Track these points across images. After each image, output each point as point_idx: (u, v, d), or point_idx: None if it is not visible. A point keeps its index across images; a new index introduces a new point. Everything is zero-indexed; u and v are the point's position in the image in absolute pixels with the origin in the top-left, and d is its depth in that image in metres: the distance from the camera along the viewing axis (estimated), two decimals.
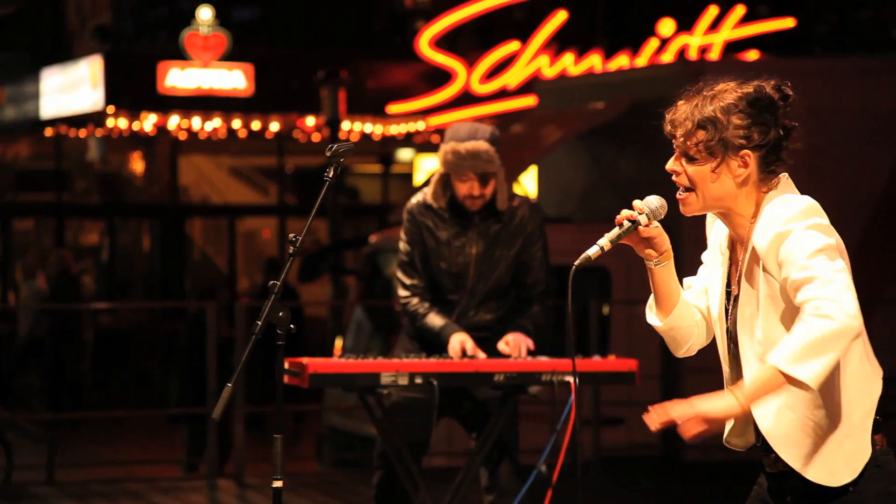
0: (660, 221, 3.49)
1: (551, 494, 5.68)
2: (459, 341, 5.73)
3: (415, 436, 5.88)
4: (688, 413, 3.25)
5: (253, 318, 4.02)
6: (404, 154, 21.46)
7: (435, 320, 5.84)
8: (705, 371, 12.23)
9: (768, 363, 3.20)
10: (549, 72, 18.60)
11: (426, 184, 6.04)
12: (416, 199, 5.97)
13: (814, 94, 11.15)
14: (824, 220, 3.31)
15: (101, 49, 18.88)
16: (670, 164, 3.42)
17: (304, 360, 5.56)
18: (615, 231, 3.42)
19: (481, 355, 5.72)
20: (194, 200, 22.02)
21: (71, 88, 19.15)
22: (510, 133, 12.91)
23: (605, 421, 10.60)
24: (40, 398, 16.39)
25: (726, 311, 3.47)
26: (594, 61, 18.69)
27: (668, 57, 18.59)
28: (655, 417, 3.30)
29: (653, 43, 18.85)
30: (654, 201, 3.44)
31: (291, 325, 4.04)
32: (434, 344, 5.84)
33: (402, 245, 5.97)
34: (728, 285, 3.47)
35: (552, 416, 5.94)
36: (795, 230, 3.25)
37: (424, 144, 20.66)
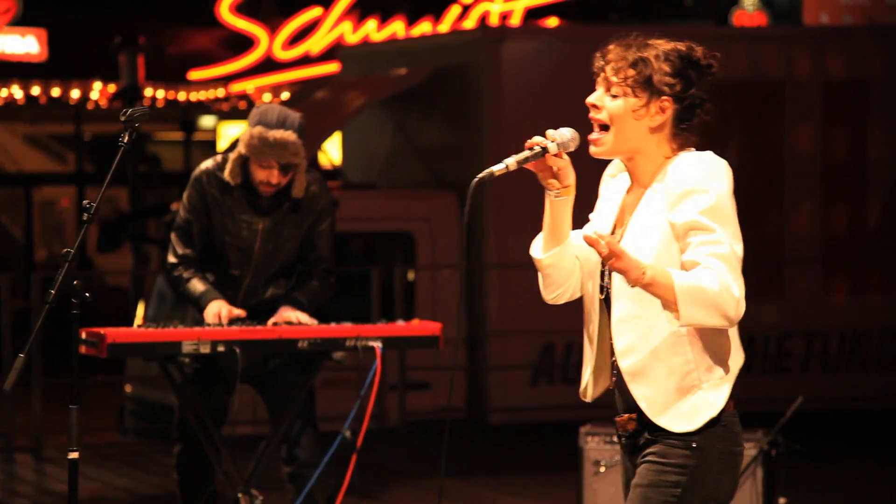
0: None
1: (356, 459, 5.68)
2: (217, 308, 5.64)
3: (214, 404, 5.82)
4: (616, 253, 3.28)
5: (49, 289, 3.92)
6: (206, 121, 21.17)
7: (196, 286, 5.73)
8: (509, 335, 12.46)
9: (673, 274, 3.28)
10: (353, 38, 18.54)
11: (226, 151, 5.91)
12: (205, 166, 5.80)
13: None
14: (728, 186, 3.40)
15: None
16: (593, 98, 3.48)
17: (103, 329, 5.45)
18: (523, 154, 3.44)
19: (239, 313, 5.64)
20: None
21: None
22: (313, 99, 12.83)
23: (411, 385, 10.65)
24: None
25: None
26: (397, 28, 18.69)
27: (470, 23, 18.69)
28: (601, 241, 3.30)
29: (455, 10, 18.93)
30: (566, 133, 3.48)
31: (87, 294, 3.96)
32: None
33: (183, 212, 5.80)
34: (613, 229, 3.52)
35: (357, 382, 5.94)
36: (715, 191, 3.34)
37: (227, 112, 20.41)
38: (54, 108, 19.46)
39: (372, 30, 18.64)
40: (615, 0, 22.15)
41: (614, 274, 3.43)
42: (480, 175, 3.40)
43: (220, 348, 5.47)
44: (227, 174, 5.72)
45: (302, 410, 5.82)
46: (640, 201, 3.47)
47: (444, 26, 18.58)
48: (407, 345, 6.64)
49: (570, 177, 3.51)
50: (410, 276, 11.09)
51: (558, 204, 3.51)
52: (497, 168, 3.41)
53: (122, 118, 4.09)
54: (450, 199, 11.11)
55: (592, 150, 3.50)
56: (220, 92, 19.42)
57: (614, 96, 3.46)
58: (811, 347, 11.67)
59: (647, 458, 3.43)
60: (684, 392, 3.39)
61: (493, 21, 18.84)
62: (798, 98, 11.77)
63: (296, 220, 5.78)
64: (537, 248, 3.57)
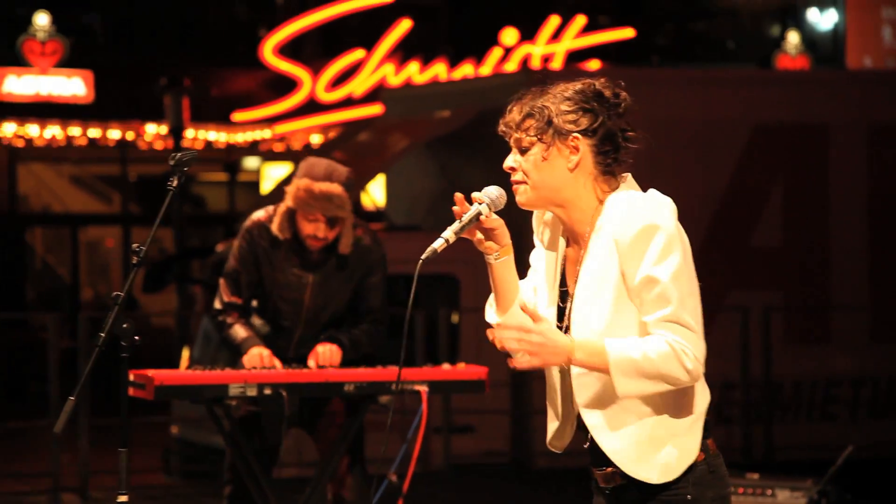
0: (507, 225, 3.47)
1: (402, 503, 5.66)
2: (258, 353, 5.64)
3: (263, 446, 5.82)
4: (525, 350, 3.24)
5: (96, 330, 3.93)
6: (250, 162, 21.28)
7: (239, 331, 5.73)
8: None
9: (607, 347, 3.23)
10: (395, 80, 18.61)
11: (269, 197, 5.92)
12: (256, 217, 5.80)
13: (652, 104, 11.42)
14: (680, 228, 3.33)
15: None
16: (508, 162, 3.43)
17: (150, 372, 5.46)
18: (457, 223, 3.40)
19: (277, 364, 5.65)
20: (34, 209, 21.55)
21: None
22: (357, 141, 12.88)
23: (456, 429, 10.62)
24: None
25: (560, 310, 3.44)
26: (439, 70, 18.75)
27: (511, 66, 18.73)
28: (505, 337, 3.28)
29: (496, 52, 18.98)
30: (493, 191, 3.43)
31: (136, 337, 3.97)
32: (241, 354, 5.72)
33: (233, 260, 5.80)
34: (563, 284, 3.45)
35: (403, 426, 5.92)
36: (658, 239, 3.26)
37: (270, 152, 20.52)
38: (100, 149, 19.63)
39: (414, 72, 18.71)
40: (657, 43, 22.17)
41: (572, 325, 3.37)
42: (423, 255, 3.35)
43: (267, 391, 5.47)
44: (275, 228, 5.71)
45: (350, 453, 5.81)
46: (584, 256, 3.38)
47: (486, 69, 18.63)
48: (453, 389, 6.61)
49: (505, 236, 3.46)
50: (454, 318, 11.08)
51: (501, 266, 3.46)
52: (437, 244, 3.36)
53: (172, 162, 4.11)
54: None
55: (517, 199, 3.42)
56: (264, 133, 19.53)
57: (524, 150, 3.40)
58: (859, 393, 11.57)
59: None
60: (657, 441, 3.32)
61: (535, 64, 18.88)
62: (842, 142, 11.72)
63: (346, 274, 5.77)
64: (491, 314, 3.52)
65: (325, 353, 5.69)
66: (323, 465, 5.80)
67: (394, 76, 18.76)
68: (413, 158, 12.27)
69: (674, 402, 3.32)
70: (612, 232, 3.30)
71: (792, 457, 10.90)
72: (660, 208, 3.30)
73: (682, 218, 11.66)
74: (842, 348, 11.54)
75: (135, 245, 4.03)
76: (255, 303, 5.89)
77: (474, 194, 3.43)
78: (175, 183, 4.14)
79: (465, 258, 11.46)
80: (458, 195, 3.42)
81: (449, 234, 3.37)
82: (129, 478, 3.97)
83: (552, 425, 3.47)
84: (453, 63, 19.01)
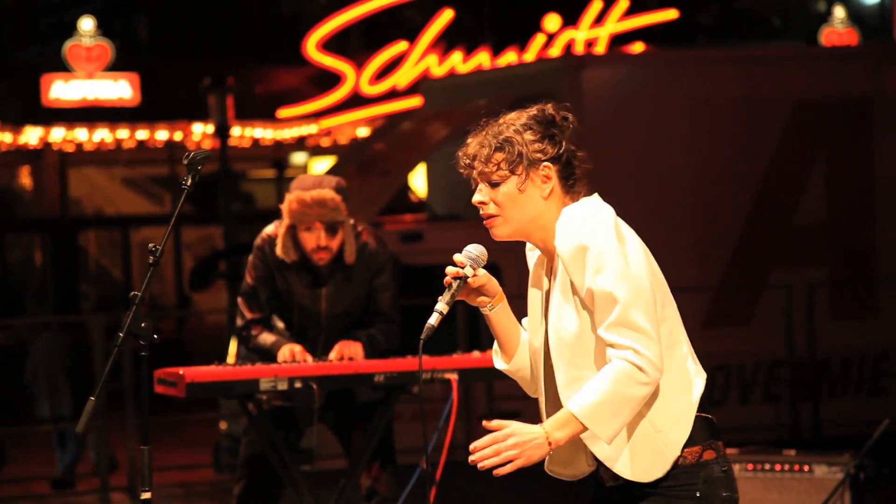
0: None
1: (435, 492, 5.68)
2: (289, 349, 5.67)
3: (294, 440, 5.87)
4: (504, 459, 3.26)
5: (117, 332, 3.99)
6: (297, 158, 21.39)
7: (266, 338, 5.77)
8: None
9: (571, 409, 3.24)
10: (438, 71, 18.63)
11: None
12: (266, 233, 5.81)
13: (695, 84, 11.38)
14: (618, 225, 3.33)
15: None
16: (476, 198, 3.42)
17: (181, 369, 5.51)
18: (447, 292, 3.42)
19: (309, 359, 5.69)
20: (87, 212, 21.78)
21: None
22: (398, 132, 12.91)
23: (500, 415, 10.61)
24: None
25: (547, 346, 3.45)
26: (482, 58, 18.76)
27: (555, 51, 18.70)
28: (483, 456, 3.27)
29: (540, 38, 18.96)
30: (472, 250, 3.43)
31: (154, 336, 4.02)
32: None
33: (249, 277, 5.82)
34: (545, 303, 3.46)
35: (435, 415, 5.95)
36: (592, 253, 3.26)
37: (317, 147, 20.61)
38: (149, 150, 19.80)
39: (457, 62, 18.72)
40: (701, 23, 22.05)
41: (550, 340, 3.38)
42: (423, 335, 3.39)
43: (297, 384, 5.51)
44: (279, 251, 5.72)
45: (380, 445, 5.84)
46: (553, 283, 3.40)
47: (530, 55, 18.62)
48: (482, 376, 6.62)
49: (495, 287, 3.48)
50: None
51: (497, 315, 3.50)
52: (433, 319, 3.40)
53: (185, 161, 4.16)
54: None
55: (492, 233, 3.43)
56: (310, 129, 19.63)
57: (494, 185, 3.40)
58: None
59: None
60: (642, 441, 3.32)
61: (579, 49, 18.84)
62: (887, 116, 11.62)
63: (356, 282, 5.80)
64: (499, 361, 3.57)
65: (349, 348, 5.72)
66: (356, 457, 5.84)
67: (437, 67, 18.78)
68: (453, 148, 12.27)
69: (657, 401, 3.32)
70: (557, 249, 3.33)
71: (841, 433, 10.83)
72: (591, 221, 3.31)
73: (727, 196, 11.50)
74: (888, 322, 11.45)
75: (151, 245, 4.09)
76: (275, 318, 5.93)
77: (456, 257, 3.44)
78: (189, 182, 4.18)
79: (505, 245, 11.51)
80: (448, 269, 3.42)
81: (441, 306, 3.41)
82: (151, 475, 4.02)
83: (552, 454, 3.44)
84: (496, 51, 19.01)
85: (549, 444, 3.25)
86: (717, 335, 11.02)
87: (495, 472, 3.27)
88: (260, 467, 5.85)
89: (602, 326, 3.26)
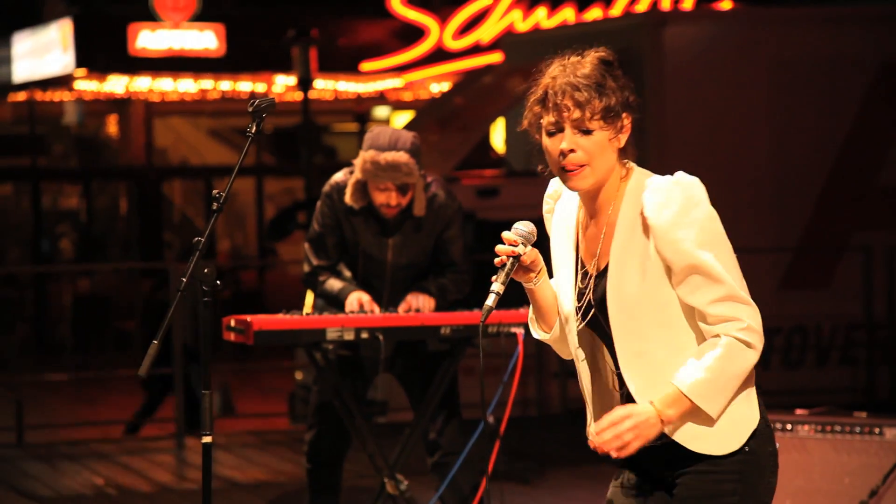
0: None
1: (499, 446, 5.70)
2: (357, 297, 5.70)
3: (359, 390, 5.91)
4: (625, 443, 3.22)
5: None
6: (380, 112, 21.42)
7: (334, 284, 5.80)
8: None
9: (679, 387, 3.20)
10: (523, 26, 18.55)
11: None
12: (335, 180, 5.82)
13: (781, 43, 11.23)
14: (709, 206, 3.25)
15: (71, 12, 18.80)
16: (566, 144, 3.25)
17: (249, 317, 5.57)
18: (501, 272, 3.34)
19: (377, 310, 5.70)
20: (172, 162, 21.98)
21: (42, 52, 19.07)
22: (477, 87, 12.89)
23: (572, 372, 10.61)
24: (18, 360, 16.43)
25: (581, 292, 3.37)
26: (567, 14, 18.63)
27: (642, 7, 18.53)
28: (605, 441, 3.24)
29: None
30: (522, 228, 3.35)
31: (217, 282, 4.05)
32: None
33: (316, 224, 5.85)
34: (582, 266, 3.38)
35: (502, 369, 5.96)
36: (698, 221, 3.20)
37: (399, 102, 20.62)
38: (234, 101, 19.92)
39: (542, 17, 18.62)
40: None
41: (609, 313, 3.29)
42: (483, 317, 3.31)
43: (364, 335, 5.55)
44: (348, 199, 5.73)
45: (445, 398, 5.86)
46: (610, 237, 3.30)
47: (616, 11, 18.46)
48: None
49: (540, 262, 3.40)
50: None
51: (540, 289, 3.42)
52: (490, 301, 3.32)
53: (250, 109, 4.17)
54: None
55: (573, 184, 3.28)
56: (394, 83, 19.63)
57: (586, 132, 3.25)
58: None
59: (693, 469, 3.29)
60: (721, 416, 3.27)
61: (665, 5, 18.65)
62: None
63: (424, 233, 5.81)
64: (538, 331, 3.49)
65: (418, 300, 5.74)
66: (421, 410, 5.87)
67: (521, 22, 18.70)
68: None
69: None
70: (649, 215, 3.23)
71: None
72: (691, 190, 3.23)
73: (812, 156, 11.41)
74: None
75: (215, 192, 4.08)
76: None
77: (506, 235, 3.34)
78: (254, 129, 4.20)
79: None
80: (499, 247, 3.34)
81: (497, 286, 3.33)
82: (212, 420, 4.06)
83: (593, 414, 3.41)
84: (581, 7, 18.87)
85: (662, 421, 3.22)
86: (795, 297, 10.93)
87: (615, 454, 3.23)
88: (330, 416, 5.90)
89: (706, 301, 3.20)
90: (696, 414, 3.24)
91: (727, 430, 3.27)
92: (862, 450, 6.28)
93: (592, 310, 3.34)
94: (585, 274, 3.37)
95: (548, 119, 3.29)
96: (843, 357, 11.15)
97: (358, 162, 5.67)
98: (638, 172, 3.33)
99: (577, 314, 3.38)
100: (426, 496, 6.20)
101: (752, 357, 3.21)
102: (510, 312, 5.72)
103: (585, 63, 3.29)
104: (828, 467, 6.29)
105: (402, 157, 5.59)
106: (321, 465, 5.97)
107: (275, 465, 9.16)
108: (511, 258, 3.34)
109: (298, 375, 11.60)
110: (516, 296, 10.44)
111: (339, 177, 5.83)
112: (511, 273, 3.35)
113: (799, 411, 6.41)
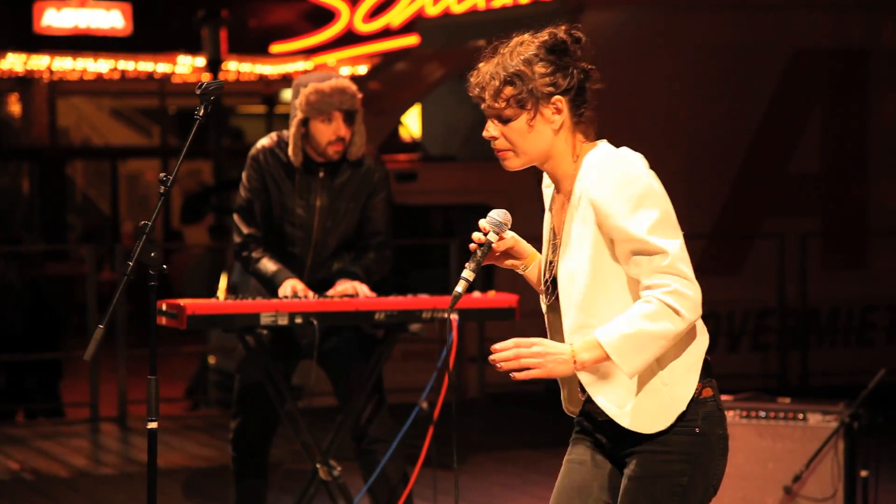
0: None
1: (433, 431, 5.70)
2: (291, 285, 5.65)
3: (288, 376, 5.87)
4: (523, 366, 3.24)
5: (126, 261, 3.96)
6: (288, 94, 21.28)
7: (268, 266, 5.71)
8: None
9: (599, 337, 3.22)
10: (433, 10, 18.52)
11: (281, 130, 5.83)
12: (261, 144, 5.76)
13: (692, 30, 11.33)
14: (655, 180, 3.29)
15: None
16: (487, 132, 3.38)
17: (182, 301, 5.50)
18: (472, 259, 3.39)
19: (311, 296, 5.66)
20: (75, 142, 21.67)
21: None
22: (392, 71, 12.86)
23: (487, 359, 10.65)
24: None
25: (550, 263, 3.44)
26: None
27: None
28: (504, 358, 3.25)
29: None
30: (496, 216, 3.42)
31: (164, 266, 4.00)
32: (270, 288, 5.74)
33: (243, 191, 5.77)
34: (553, 238, 3.44)
35: (437, 354, 5.95)
36: (633, 196, 3.23)
37: None
38: (139, 82, 19.69)
39: (452, 2, 18.60)
40: None
41: (558, 285, 3.35)
42: (452, 302, 3.38)
43: (298, 320, 5.50)
44: (290, 152, 5.67)
45: (370, 385, 5.83)
46: (569, 210, 3.35)
47: None
48: (484, 317, 6.65)
49: (525, 248, 3.48)
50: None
51: (531, 273, 3.52)
52: (460, 287, 3.37)
53: (198, 92, 4.12)
54: (528, 171, 11.10)
55: (504, 165, 3.40)
56: (303, 65, 19.52)
57: (505, 120, 3.35)
58: (895, 319, 11.54)
59: (643, 448, 3.31)
60: (650, 393, 3.29)
61: None
62: (883, 67, 11.61)
63: (352, 194, 5.76)
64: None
65: (353, 285, 5.70)
66: (348, 395, 5.82)
67: (431, 6, 18.67)
68: (449, 88, 12.24)
69: (667, 352, 3.28)
70: (587, 190, 3.28)
71: (828, 383, 10.90)
72: (631, 164, 3.27)
73: (720, 143, 11.52)
74: (878, 274, 11.50)
75: (162, 174, 4.04)
76: None
77: (480, 222, 3.42)
78: (202, 113, 4.14)
79: (497, 187, 11.49)
80: (474, 234, 3.41)
81: (467, 273, 3.37)
82: (157, 405, 4.01)
83: (563, 391, 3.48)
84: None
85: (574, 363, 3.23)
86: (707, 283, 10.99)
87: (513, 375, 3.24)
88: (255, 402, 5.85)
89: (645, 272, 3.22)
90: (610, 368, 3.26)
91: (655, 411, 3.28)
92: (786, 435, 6.37)
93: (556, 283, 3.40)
94: (555, 248, 3.43)
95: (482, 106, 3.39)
96: (755, 343, 11.31)
97: (300, 102, 5.59)
98: (597, 149, 3.36)
99: (547, 287, 3.43)
100: (352, 481, 6.17)
101: (679, 323, 3.19)
102: (444, 298, 5.72)
103: (522, 49, 3.33)
104: (752, 453, 6.38)
105: (345, 81, 5.59)
106: (247, 452, 5.91)
107: (192, 449, 9.08)
108: (481, 246, 3.39)
109: (212, 360, 11.51)
110: (454, 283, 10.36)
111: (264, 141, 5.77)
112: (482, 261, 3.39)
113: (724, 397, 6.48)
